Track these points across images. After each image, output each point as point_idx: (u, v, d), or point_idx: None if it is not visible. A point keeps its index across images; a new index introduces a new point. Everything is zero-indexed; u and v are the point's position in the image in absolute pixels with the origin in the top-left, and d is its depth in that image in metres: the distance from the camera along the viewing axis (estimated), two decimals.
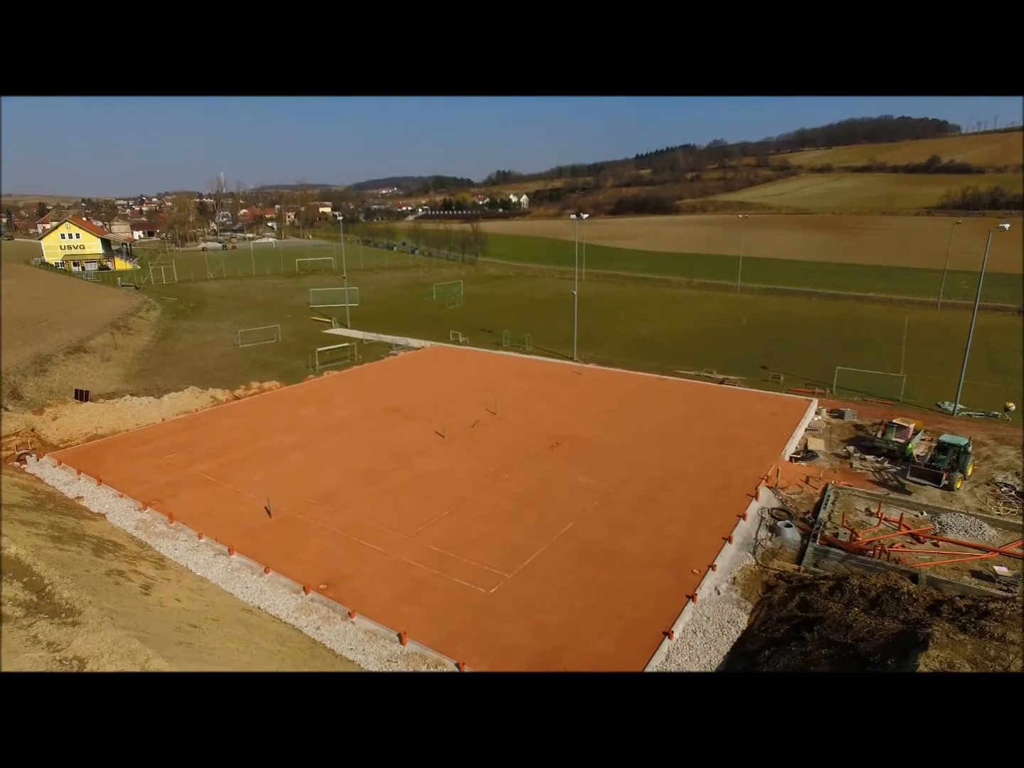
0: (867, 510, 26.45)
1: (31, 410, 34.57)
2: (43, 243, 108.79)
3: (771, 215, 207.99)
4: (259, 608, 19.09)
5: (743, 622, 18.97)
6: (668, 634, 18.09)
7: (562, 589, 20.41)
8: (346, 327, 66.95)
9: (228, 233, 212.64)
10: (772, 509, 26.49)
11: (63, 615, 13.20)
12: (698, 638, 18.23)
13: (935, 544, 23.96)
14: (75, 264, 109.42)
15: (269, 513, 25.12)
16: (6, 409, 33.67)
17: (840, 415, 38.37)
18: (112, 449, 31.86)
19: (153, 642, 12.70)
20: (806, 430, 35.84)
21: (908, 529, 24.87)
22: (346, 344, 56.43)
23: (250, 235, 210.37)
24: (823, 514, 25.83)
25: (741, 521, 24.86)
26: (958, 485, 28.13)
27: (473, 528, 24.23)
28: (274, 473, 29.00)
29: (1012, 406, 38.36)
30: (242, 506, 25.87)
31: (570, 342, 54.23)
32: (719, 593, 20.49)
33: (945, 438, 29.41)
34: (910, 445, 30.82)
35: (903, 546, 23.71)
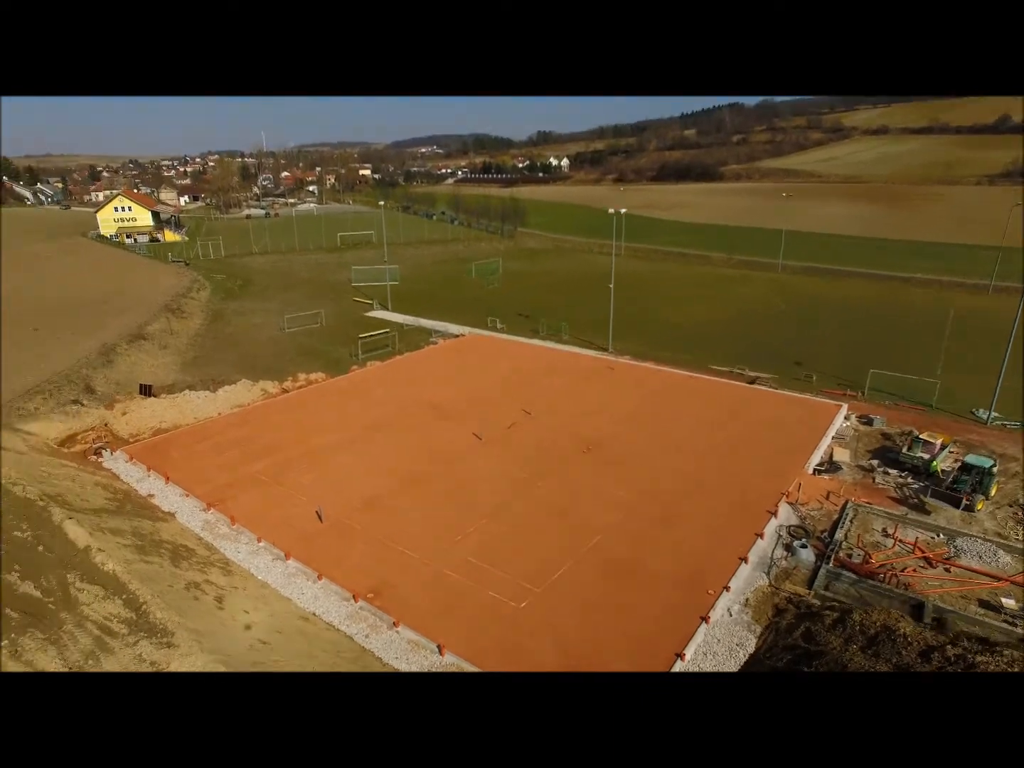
0: (884, 530, 27.45)
1: (103, 404, 37.76)
2: (99, 216, 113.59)
3: (819, 183, 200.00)
4: (314, 615, 21.59)
5: (751, 646, 20.60)
6: (680, 655, 19.88)
7: (586, 605, 22.31)
8: (387, 309, 68.98)
9: (270, 199, 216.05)
10: (790, 526, 27.72)
11: (159, 635, 15.67)
12: (708, 660, 19.97)
13: (947, 569, 24.95)
14: (128, 236, 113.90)
15: (320, 518, 27.60)
16: (82, 404, 36.90)
17: (869, 422, 38.78)
18: (176, 444, 34.82)
19: (233, 663, 15.07)
20: (833, 438, 36.51)
21: (922, 552, 25.87)
22: (387, 330, 58.51)
23: (292, 200, 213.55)
24: (840, 533, 26.96)
25: (759, 540, 26.23)
26: (979, 507, 28.73)
27: (507, 539, 26.24)
28: (323, 475, 31.45)
29: None
30: (295, 509, 28.41)
31: (606, 328, 55.10)
32: (731, 615, 22.11)
33: (969, 459, 29.85)
34: (935, 463, 31.35)
35: (915, 570, 24.78)
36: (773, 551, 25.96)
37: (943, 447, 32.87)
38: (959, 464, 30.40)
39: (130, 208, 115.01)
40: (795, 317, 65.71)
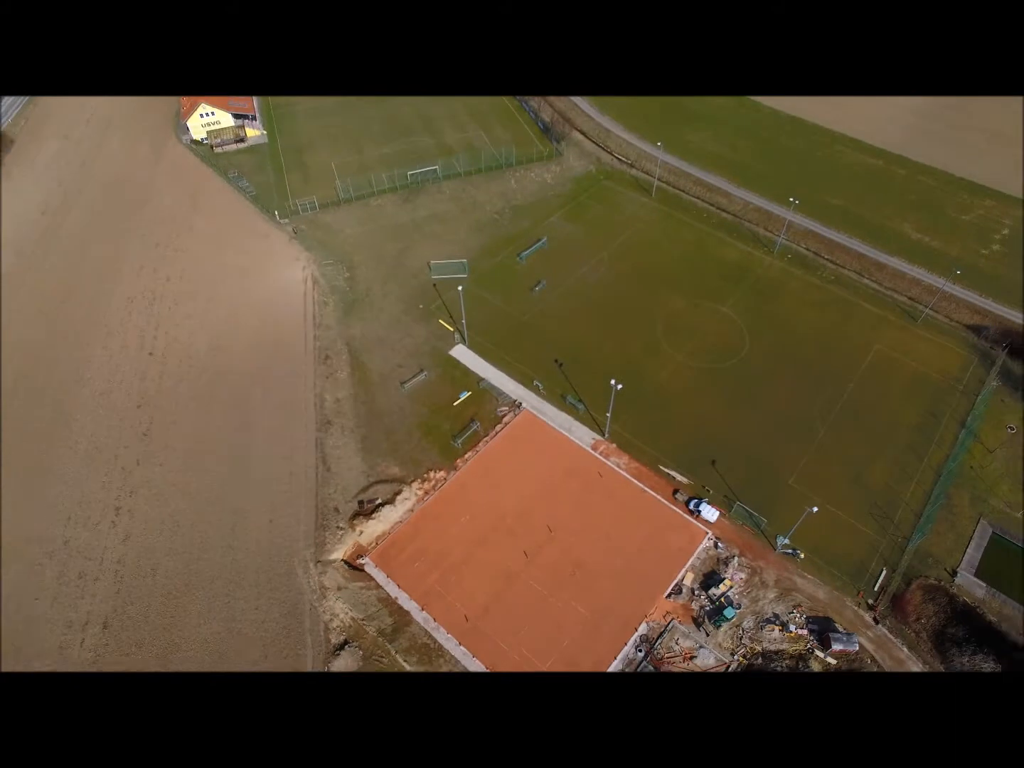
0: (677, 640, 72.07)
1: (348, 521, 79.44)
2: (188, 124, 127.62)
3: None
4: None
5: None
6: None
7: None
8: (464, 343, 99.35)
9: None
10: (642, 636, 72.33)
11: None
12: None
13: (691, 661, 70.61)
14: (216, 139, 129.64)
15: (467, 619, 72.93)
16: (340, 527, 78.78)
17: (717, 545, 78.97)
18: (389, 555, 77.71)
19: None
20: (691, 563, 77.64)
21: (686, 656, 71.08)
22: (468, 392, 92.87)
23: None
24: (659, 643, 71.78)
25: (624, 646, 71.27)
26: (722, 629, 72.29)
27: (545, 649, 71.64)
28: (460, 589, 75.15)
29: (802, 555, 77.55)
30: (454, 615, 73.32)
31: (612, 388, 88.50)
32: None
33: (726, 612, 71.95)
34: (718, 601, 73.60)
35: (676, 664, 70.44)
36: (628, 652, 71.30)
37: (729, 587, 74.54)
38: (721, 610, 72.48)
39: (213, 113, 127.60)
40: (743, 379, 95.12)
